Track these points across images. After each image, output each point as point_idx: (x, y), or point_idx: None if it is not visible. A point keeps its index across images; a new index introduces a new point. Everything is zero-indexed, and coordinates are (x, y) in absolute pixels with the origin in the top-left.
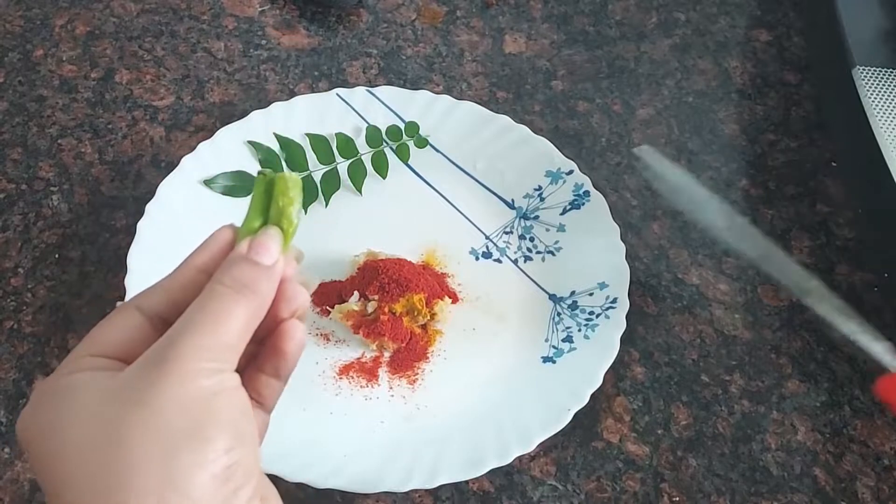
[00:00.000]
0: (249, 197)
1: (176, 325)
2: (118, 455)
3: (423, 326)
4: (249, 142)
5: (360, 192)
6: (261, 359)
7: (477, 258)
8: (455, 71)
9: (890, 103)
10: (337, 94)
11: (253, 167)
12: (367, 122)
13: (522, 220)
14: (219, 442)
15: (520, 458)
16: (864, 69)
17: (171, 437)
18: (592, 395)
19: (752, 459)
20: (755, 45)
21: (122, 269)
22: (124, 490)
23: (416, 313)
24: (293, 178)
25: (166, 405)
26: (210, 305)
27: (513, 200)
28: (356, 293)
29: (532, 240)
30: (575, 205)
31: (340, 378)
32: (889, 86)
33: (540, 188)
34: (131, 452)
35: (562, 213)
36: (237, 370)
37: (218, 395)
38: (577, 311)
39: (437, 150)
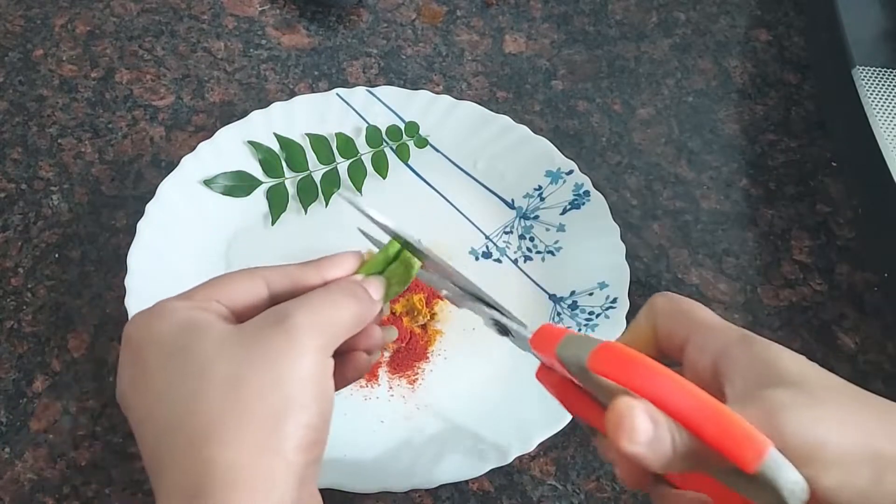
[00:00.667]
0: (248, 197)
1: (296, 301)
2: (231, 400)
3: (423, 326)
4: (249, 142)
5: (360, 192)
6: None
7: (477, 258)
8: (455, 71)
9: (890, 103)
10: (337, 94)
11: (253, 167)
12: (367, 122)
13: (522, 220)
14: (314, 417)
15: (520, 458)
16: (864, 69)
17: (280, 403)
18: None
19: None
20: (755, 45)
21: (122, 268)
22: (229, 441)
23: (416, 313)
24: (416, 264)
25: (283, 372)
26: (329, 296)
27: (513, 200)
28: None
29: (532, 240)
30: (575, 205)
31: None
32: (889, 86)
33: (540, 188)
34: (247, 408)
35: (562, 213)
36: None
37: (322, 376)
38: (577, 311)
39: (437, 150)
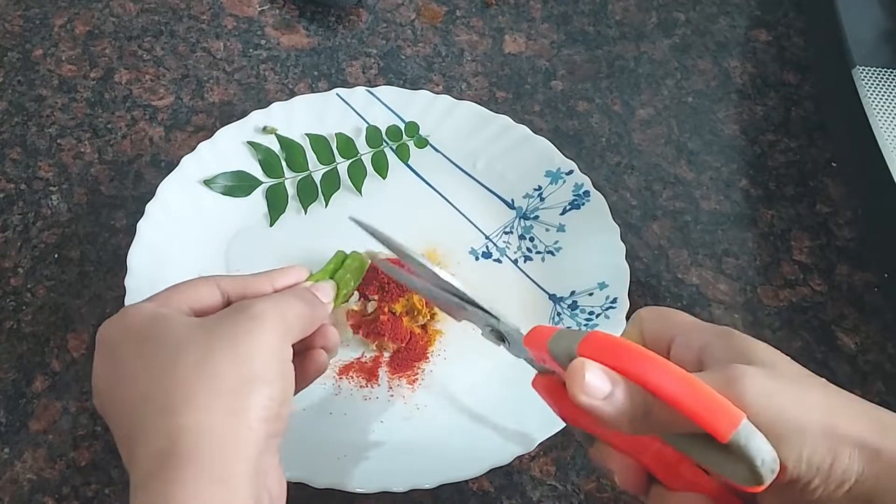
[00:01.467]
0: (248, 197)
1: (257, 298)
2: (201, 374)
3: (423, 326)
4: (249, 142)
5: (360, 192)
6: None
7: (477, 258)
8: (455, 71)
9: (890, 103)
10: (337, 94)
11: (253, 167)
12: (367, 122)
13: (522, 220)
14: (276, 392)
15: (520, 458)
16: (864, 69)
17: (247, 375)
18: None
19: None
20: (755, 45)
21: (121, 269)
22: (200, 407)
23: (416, 313)
24: (364, 261)
25: (249, 349)
26: (284, 295)
27: (513, 200)
28: (356, 293)
29: (532, 240)
30: (575, 205)
31: (340, 378)
32: (889, 86)
33: (540, 188)
34: (216, 379)
35: (562, 213)
36: None
37: (282, 357)
38: (577, 311)
39: (437, 150)
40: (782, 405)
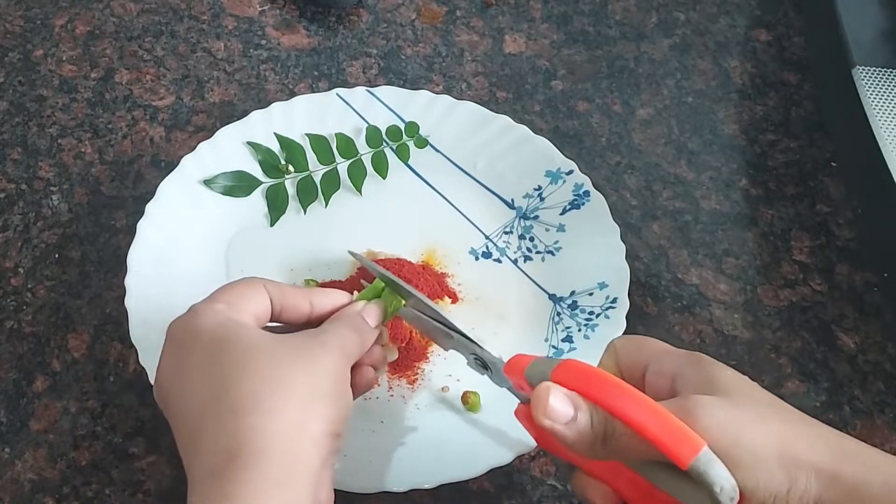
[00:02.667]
0: (248, 197)
1: (323, 326)
2: (273, 382)
3: None
4: (249, 142)
5: (360, 192)
6: None
7: (477, 258)
8: (455, 71)
9: (890, 103)
10: (337, 94)
11: (253, 167)
12: (367, 122)
13: (522, 220)
14: (340, 410)
15: (520, 458)
16: (864, 69)
17: (317, 392)
18: None
19: None
20: (755, 45)
21: (122, 269)
22: (272, 411)
23: None
24: (400, 301)
25: (318, 368)
26: (345, 323)
27: (513, 200)
28: (356, 293)
29: (532, 240)
30: (575, 205)
31: None
32: (889, 86)
33: (540, 188)
34: (289, 390)
35: (562, 213)
36: None
37: (345, 379)
38: (577, 311)
39: (437, 150)
40: (738, 433)
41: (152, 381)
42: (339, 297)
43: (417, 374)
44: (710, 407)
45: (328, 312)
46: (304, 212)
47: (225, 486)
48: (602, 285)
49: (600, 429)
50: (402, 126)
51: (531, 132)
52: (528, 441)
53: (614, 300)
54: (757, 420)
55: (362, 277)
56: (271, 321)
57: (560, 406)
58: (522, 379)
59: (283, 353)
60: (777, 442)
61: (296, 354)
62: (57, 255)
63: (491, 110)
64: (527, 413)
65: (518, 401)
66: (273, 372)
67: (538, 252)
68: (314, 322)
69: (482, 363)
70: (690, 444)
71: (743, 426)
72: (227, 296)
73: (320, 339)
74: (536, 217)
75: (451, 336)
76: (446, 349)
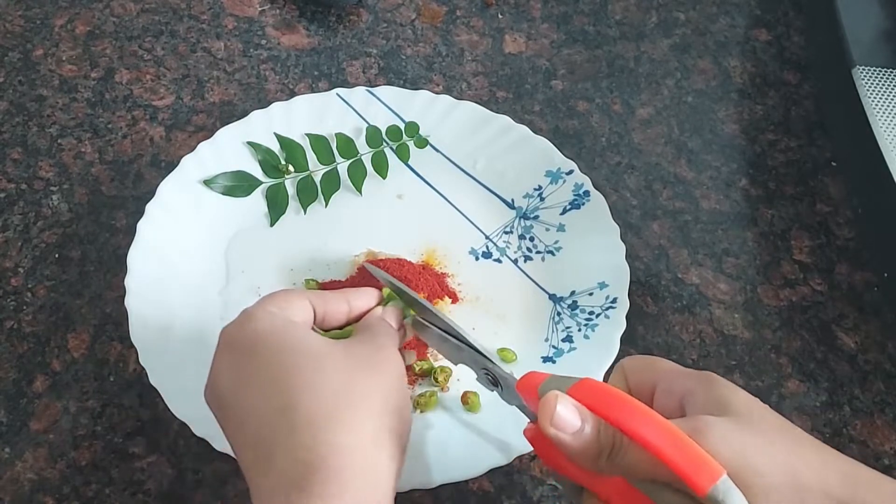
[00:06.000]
0: (248, 197)
1: (371, 330)
2: (347, 394)
3: None
4: (249, 142)
5: (360, 192)
6: None
7: (477, 258)
8: (455, 71)
9: (890, 103)
10: (337, 94)
11: (253, 167)
12: (367, 122)
13: (522, 219)
14: (408, 426)
15: (520, 458)
16: (864, 69)
17: (388, 406)
18: None
19: None
20: (755, 45)
21: (122, 269)
22: (350, 426)
23: None
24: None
25: (391, 383)
26: (392, 329)
27: (513, 200)
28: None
29: (532, 240)
30: (575, 205)
31: None
32: (889, 86)
33: (540, 188)
34: (364, 404)
35: (562, 213)
36: None
37: (406, 392)
38: (577, 311)
39: (437, 150)
40: (748, 456)
41: (152, 382)
42: (373, 296)
43: (418, 374)
44: (722, 428)
45: (364, 313)
46: (304, 212)
47: (306, 500)
48: (602, 285)
49: (607, 442)
50: (402, 126)
51: (531, 132)
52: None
53: (614, 300)
54: (768, 444)
55: (363, 276)
56: (313, 329)
57: (567, 415)
58: (535, 396)
59: (353, 364)
60: (788, 467)
61: (365, 366)
62: (57, 255)
63: (491, 110)
64: (536, 432)
65: (527, 420)
66: (346, 384)
67: (538, 252)
68: (351, 322)
69: (493, 379)
70: (709, 472)
71: (754, 449)
72: (278, 302)
73: (382, 349)
74: (536, 217)
75: (462, 350)
76: (455, 363)
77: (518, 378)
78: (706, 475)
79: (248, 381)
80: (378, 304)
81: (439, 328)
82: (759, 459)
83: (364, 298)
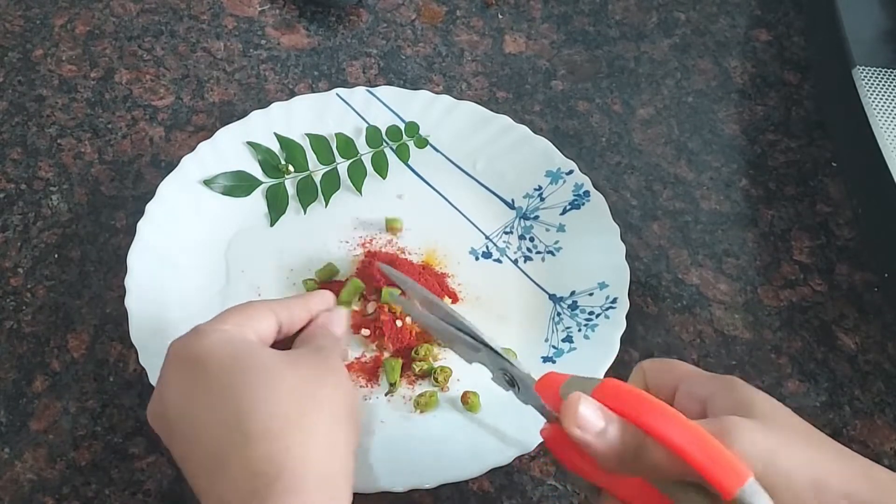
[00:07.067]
0: (248, 197)
1: (314, 339)
2: (299, 402)
3: None
4: (249, 142)
5: (360, 192)
6: None
7: (477, 258)
8: (455, 71)
9: (890, 103)
10: (337, 94)
11: (253, 167)
12: (367, 122)
13: (522, 220)
14: (358, 430)
15: (520, 458)
16: (864, 69)
17: (339, 413)
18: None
19: None
20: (755, 45)
21: (122, 269)
22: (306, 433)
23: None
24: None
25: (340, 391)
26: (329, 338)
27: (513, 200)
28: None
29: (532, 240)
30: (575, 205)
31: None
32: (889, 86)
33: (540, 188)
34: (317, 411)
35: (562, 213)
36: None
37: (354, 397)
38: (577, 311)
39: (437, 150)
40: (773, 458)
41: (152, 382)
42: (326, 299)
43: (417, 374)
44: (748, 430)
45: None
46: (304, 212)
47: None
48: (602, 285)
49: (632, 442)
50: (402, 126)
51: (531, 132)
52: (528, 441)
53: (614, 300)
54: (792, 445)
55: (362, 277)
56: (277, 339)
57: (592, 416)
58: (555, 397)
59: (304, 374)
60: (812, 469)
61: (313, 376)
62: (57, 255)
63: (491, 110)
64: (554, 433)
65: (544, 420)
66: (297, 395)
67: (538, 252)
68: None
69: (510, 379)
70: (737, 474)
71: (779, 451)
72: (235, 318)
73: (327, 358)
74: (536, 217)
75: (478, 349)
76: (470, 363)
77: (536, 379)
78: (733, 477)
79: (198, 396)
80: (329, 308)
81: (455, 327)
82: (785, 462)
83: (320, 302)
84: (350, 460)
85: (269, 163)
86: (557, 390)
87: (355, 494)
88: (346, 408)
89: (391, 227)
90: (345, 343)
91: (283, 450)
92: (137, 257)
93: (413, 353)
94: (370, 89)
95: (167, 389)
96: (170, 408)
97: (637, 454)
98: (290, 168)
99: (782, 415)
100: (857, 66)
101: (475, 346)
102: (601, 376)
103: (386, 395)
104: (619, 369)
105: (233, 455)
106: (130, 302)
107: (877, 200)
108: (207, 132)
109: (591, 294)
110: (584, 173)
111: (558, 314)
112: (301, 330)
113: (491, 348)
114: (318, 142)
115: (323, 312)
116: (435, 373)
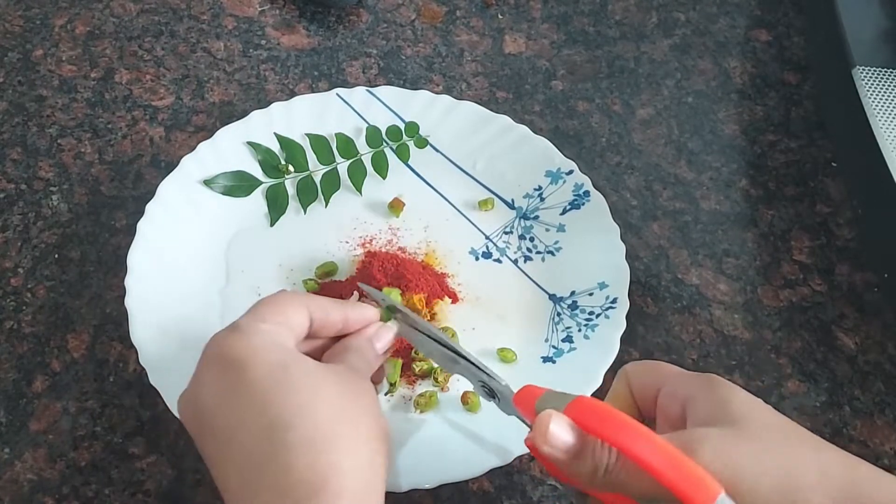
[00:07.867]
0: (248, 197)
1: (354, 357)
2: (343, 418)
3: None
4: (249, 142)
5: (360, 192)
6: None
7: (477, 258)
8: (455, 71)
9: (890, 103)
10: (337, 94)
11: (253, 167)
12: (367, 122)
13: (522, 220)
14: (388, 448)
15: (520, 458)
16: (864, 69)
17: (374, 430)
18: (593, 396)
19: None
20: (755, 45)
21: (122, 269)
22: (348, 449)
23: (416, 313)
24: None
25: (373, 408)
26: (363, 357)
27: (513, 200)
28: (356, 293)
29: (532, 240)
30: (575, 205)
31: None
32: (889, 86)
33: (540, 188)
34: (357, 427)
35: (562, 213)
36: None
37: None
38: (577, 311)
39: (437, 150)
40: (739, 468)
41: (152, 382)
42: (369, 313)
43: (417, 373)
44: (714, 441)
45: (358, 328)
46: (304, 212)
47: None
48: (602, 285)
49: (602, 460)
50: (402, 126)
51: (531, 132)
52: None
53: (614, 300)
54: (762, 451)
55: (362, 277)
56: (307, 338)
57: (561, 433)
58: (532, 410)
59: (342, 391)
60: (781, 475)
61: (353, 391)
62: (57, 255)
63: (491, 110)
64: None
65: (528, 429)
66: (339, 409)
67: (538, 252)
68: (342, 334)
69: (489, 391)
70: (706, 490)
71: (747, 459)
72: (271, 314)
73: (362, 382)
74: (536, 217)
75: (458, 362)
76: (452, 374)
77: (515, 391)
78: (703, 494)
79: (237, 397)
80: (372, 324)
81: (435, 340)
82: (751, 470)
83: (362, 315)
84: (383, 482)
85: (269, 163)
86: (534, 404)
87: None
88: (379, 430)
89: (393, 207)
90: (381, 362)
91: (327, 463)
92: (137, 257)
93: (413, 352)
94: (370, 89)
95: (203, 387)
96: (204, 405)
97: (608, 472)
98: (290, 168)
99: (758, 414)
100: (857, 66)
101: (455, 358)
102: (601, 376)
103: (386, 395)
104: (619, 369)
105: (273, 461)
106: (130, 302)
107: (877, 200)
108: (207, 132)
109: (591, 294)
110: (584, 173)
111: (558, 314)
112: (339, 337)
113: (470, 361)
114: (318, 142)
115: (373, 325)
116: (435, 373)
